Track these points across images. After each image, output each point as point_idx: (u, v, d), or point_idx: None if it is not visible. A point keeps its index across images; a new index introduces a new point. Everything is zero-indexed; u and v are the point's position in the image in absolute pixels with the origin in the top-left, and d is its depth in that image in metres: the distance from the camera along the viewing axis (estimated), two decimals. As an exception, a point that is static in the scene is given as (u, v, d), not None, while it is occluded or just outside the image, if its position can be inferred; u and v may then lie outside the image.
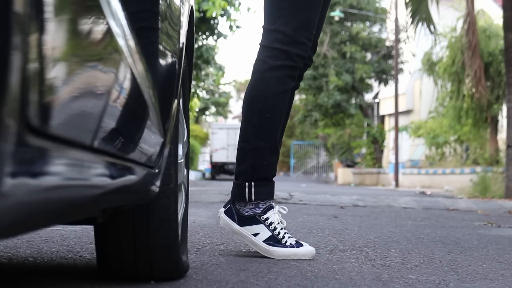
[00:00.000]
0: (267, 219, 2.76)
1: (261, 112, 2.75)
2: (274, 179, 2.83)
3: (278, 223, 2.76)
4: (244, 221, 2.76)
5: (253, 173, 2.76)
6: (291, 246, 2.70)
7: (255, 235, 2.74)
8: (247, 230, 2.75)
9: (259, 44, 2.80)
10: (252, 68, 2.83)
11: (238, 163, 2.81)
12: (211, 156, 32.53)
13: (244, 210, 2.77)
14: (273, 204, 2.80)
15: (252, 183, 2.76)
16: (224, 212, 2.80)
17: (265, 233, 2.73)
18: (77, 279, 2.02)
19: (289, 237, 2.74)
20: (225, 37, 16.07)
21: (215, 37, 15.97)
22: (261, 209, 2.77)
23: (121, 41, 1.30)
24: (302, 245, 2.72)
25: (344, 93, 28.49)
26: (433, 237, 3.84)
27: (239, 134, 2.85)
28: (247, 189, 2.76)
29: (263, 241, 2.72)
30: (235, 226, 2.77)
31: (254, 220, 2.76)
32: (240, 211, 2.77)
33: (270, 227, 2.74)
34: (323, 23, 2.96)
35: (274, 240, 2.72)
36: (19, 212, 0.85)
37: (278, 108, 2.77)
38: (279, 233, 2.74)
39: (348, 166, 30.26)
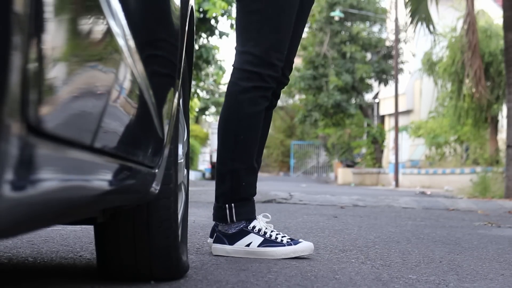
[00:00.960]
0: (254, 227, 2.76)
1: (236, 134, 2.77)
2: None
3: (266, 228, 2.77)
4: (233, 238, 2.75)
5: (232, 195, 2.77)
6: (288, 244, 2.70)
7: (248, 245, 2.73)
8: (239, 245, 2.74)
9: (232, 65, 2.82)
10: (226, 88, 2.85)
11: (217, 185, 2.82)
12: (211, 156, 32.50)
13: (229, 230, 2.77)
14: (255, 216, 2.81)
15: (232, 204, 2.77)
16: (213, 241, 2.79)
17: (257, 240, 2.73)
18: (77, 279, 2.02)
19: (282, 236, 2.74)
20: (227, 35, 16.17)
21: (216, 36, 16.05)
22: (244, 223, 2.77)
23: (121, 41, 1.30)
24: (298, 242, 2.72)
25: (344, 93, 28.47)
26: (433, 237, 3.84)
27: (216, 156, 2.86)
28: (227, 211, 2.77)
29: (258, 246, 2.72)
30: (227, 247, 2.75)
31: (242, 233, 2.76)
32: (227, 232, 2.77)
33: (260, 233, 2.74)
34: (299, 41, 2.97)
35: (269, 242, 2.72)
36: (19, 212, 0.85)
37: (252, 129, 2.78)
38: (270, 235, 2.74)
39: (348, 166, 30.24)
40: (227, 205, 2.77)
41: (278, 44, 2.75)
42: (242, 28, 2.78)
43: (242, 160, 2.77)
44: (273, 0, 2.73)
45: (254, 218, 2.79)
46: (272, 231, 2.76)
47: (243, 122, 2.76)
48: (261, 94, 2.76)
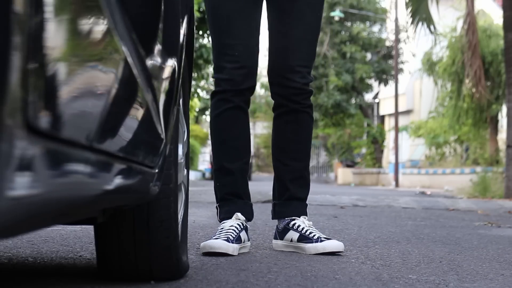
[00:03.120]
0: (221, 229, 2.85)
1: (211, 138, 3.02)
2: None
3: (225, 227, 2.83)
4: None
5: (216, 196, 2.99)
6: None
7: None
8: None
9: None
10: None
11: None
12: (211, 156, 32.50)
13: None
14: (231, 216, 2.89)
15: (217, 204, 2.97)
16: None
17: None
18: (77, 279, 2.02)
19: (224, 233, 2.77)
20: None
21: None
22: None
23: (121, 41, 1.30)
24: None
25: (344, 93, 28.48)
26: (433, 237, 3.84)
27: None
28: (216, 211, 2.98)
29: None
30: None
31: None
32: None
33: (218, 232, 2.83)
34: (300, 44, 2.96)
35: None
36: (19, 212, 0.85)
37: (216, 132, 2.98)
38: (215, 233, 2.82)
39: (348, 166, 30.24)
40: (215, 206, 2.99)
41: (223, 47, 2.90)
42: None
43: (214, 161, 3.00)
44: (207, 8, 2.93)
45: (230, 217, 2.89)
46: (228, 229, 2.79)
47: (210, 126, 2.99)
48: (219, 98, 2.95)
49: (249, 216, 2.95)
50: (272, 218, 3.11)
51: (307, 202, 3.08)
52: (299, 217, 3.00)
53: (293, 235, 2.95)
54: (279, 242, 2.99)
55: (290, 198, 3.02)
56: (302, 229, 2.95)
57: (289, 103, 3.00)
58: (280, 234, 3.00)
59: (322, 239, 2.90)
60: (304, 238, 2.92)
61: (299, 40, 2.96)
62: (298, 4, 2.93)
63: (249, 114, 3.04)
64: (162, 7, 1.75)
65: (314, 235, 2.91)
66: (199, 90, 20.35)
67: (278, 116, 3.06)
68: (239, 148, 2.97)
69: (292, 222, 2.98)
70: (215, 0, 2.91)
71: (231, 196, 2.93)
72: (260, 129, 47.77)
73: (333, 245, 2.87)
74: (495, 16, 19.71)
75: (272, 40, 2.99)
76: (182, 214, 2.17)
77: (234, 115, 2.94)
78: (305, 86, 2.99)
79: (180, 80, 1.98)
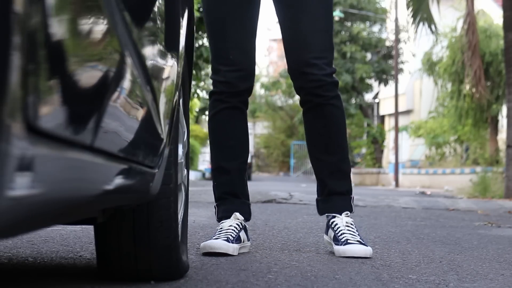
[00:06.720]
0: (221, 229, 2.86)
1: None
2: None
3: (226, 224, 2.86)
4: None
5: (214, 195, 3.01)
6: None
7: None
8: None
9: None
10: None
11: None
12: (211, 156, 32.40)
13: None
14: (230, 215, 2.91)
15: (216, 204, 2.99)
16: None
17: None
18: (77, 279, 2.02)
19: (224, 233, 2.79)
20: None
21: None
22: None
23: (121, 41, 1.30)
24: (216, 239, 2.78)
25: (344, 93, 28.47)
26: (433, 237, 3.84)
27: None
28: (214, 210, 3.00)
29: None
30: None
31: None
32: None
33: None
34: (311, 35, 2.88)
35: None
36: (19, 212, 0.85)
37: (212, 131, 3.02)
38: (216, 232, 2.85)
39: (348, 166, 30.20)
40: (214, 205, 3.01)
41: (216, 51, 2.94)
42: None
43: (212, 161, 3.03)
44: (203, 11, 2.96)
45: (228, 217, 2.90)
46: (227, 229, 2.81)
47: (208, 125, 3.03)
48: (215, 98, 2.98)
49: (246, 215, 2.94)
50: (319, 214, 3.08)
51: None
52: (341, 213, 2.93)
53: (331, 233, 2.92)
54: (325, 237, 2.97)
55: (329, 193, 2.97)
56: (338, 228, 2.88)
57: (312, 97, 2.93)
58: (326, 230, 2.98)
59: (349, 242, 2.82)
60: (335, 239, 2.87)
61: (310, 32, 2.88)
62: None
63: (247, 114, 3.03)
64: (162, 7, 1.75)
65: (343, 237, 2.84)
66: (199, 90, 20.35)
67: (306, 111, 3.00)
68: (236, 147, 2.98)
69: (332, 220, 2.93)
70: (210, 3, 2.91)
71: (228, 196, 2.94)
72: (260, 129, 47.76)
73: (354, 250, 2.78)
74: (495, 16, 19.70)
75: (284, 37, 2.93)
76: (182, 214, 2.17)
77: (230, 115, 2.95)
78: (324, 77, 2.89)
79: (180, 80, 1.98)
